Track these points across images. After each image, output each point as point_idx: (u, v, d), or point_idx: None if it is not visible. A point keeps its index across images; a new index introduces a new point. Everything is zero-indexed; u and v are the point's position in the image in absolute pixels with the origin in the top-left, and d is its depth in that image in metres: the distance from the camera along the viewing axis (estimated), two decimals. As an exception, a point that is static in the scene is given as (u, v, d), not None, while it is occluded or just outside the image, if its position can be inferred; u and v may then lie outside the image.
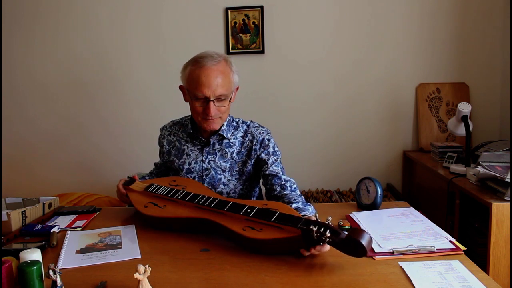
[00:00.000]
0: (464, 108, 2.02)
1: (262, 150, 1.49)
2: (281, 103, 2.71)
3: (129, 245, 1.19)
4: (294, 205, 1.32)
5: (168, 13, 2.67)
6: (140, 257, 1.12)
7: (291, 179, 1.47)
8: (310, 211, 1.30)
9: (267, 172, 1.46)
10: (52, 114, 2.81)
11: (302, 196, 1.42)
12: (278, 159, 1.50)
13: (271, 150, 1.49)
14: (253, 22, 2.63)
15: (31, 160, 2.86)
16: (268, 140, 1.50)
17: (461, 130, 2.07)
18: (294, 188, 1.44)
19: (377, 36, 2.62)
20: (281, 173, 1.47)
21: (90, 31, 2.72)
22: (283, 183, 1.44)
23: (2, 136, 2.84)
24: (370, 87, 2.67)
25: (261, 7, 2.61)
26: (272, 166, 1.47)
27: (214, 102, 1.38)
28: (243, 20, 2.63)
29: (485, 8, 2.54)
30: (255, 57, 2.67)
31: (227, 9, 2.62)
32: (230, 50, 2.65)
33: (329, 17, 2.62)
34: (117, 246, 1.19)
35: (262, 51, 2.65)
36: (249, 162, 1.50)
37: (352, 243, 0.95)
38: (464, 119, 2.02)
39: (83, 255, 1.14)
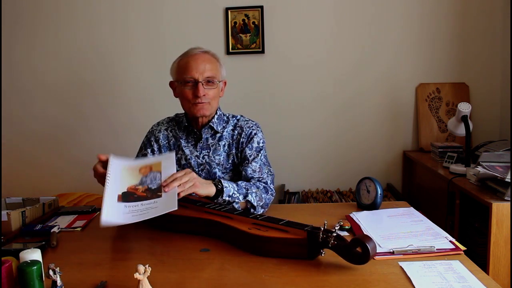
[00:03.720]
0: (464, 108, 2.02)
1: (247, 144, 1.52)
2: (281, 103, 2.71)
3: (167, 195, 1.17)
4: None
5: (168, 13, 2.67)
6: (176, 209, 1.11)
7: (265, 178, 1.49)
8: (229, 188, 1.33)
9: (246, 168, 1.49)
10: (52, 113, 2.81)
11: (255, 189, 1.41)
12: (261, 155, 1.52)
13: (255, 145, 1.52)
14: (253, 22, 2.63)
15: (31, 160, 2.86)
16: (255, 134, 1.53)
17: (461, 130, 2.07)
18: (258, 185, 1.45)
19: (377, 36, 2.62)
20: (257, 170, 1.49)
21: (91, 31, 2.72)
22: (252, 176, 1.48)
23: (2, 135, 2.84)
24: (370, 87, 2.67)
25: (261, 7, 2.61)
26: (252, 163, 1.50)
27: (202, 84, 1.44)
28: (243, 20, 2.63)
29: (485, 8, 2.54)
30: (255, 57, 2.67)
31: (227, 9, 2.62)
32: (230, 50, 2.66)
33: (329, 17, 2.62)
34: (157, 193, 1.18)
35: (262, 51, 2.65)
36: (239, 155, 1.54)
37: (357, 247, 0.97)
38: (464, 119, 2.02)
39: (125, 205, 1.14)
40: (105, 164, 1.27)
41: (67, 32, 2.73)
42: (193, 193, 1.26)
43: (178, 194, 1.19)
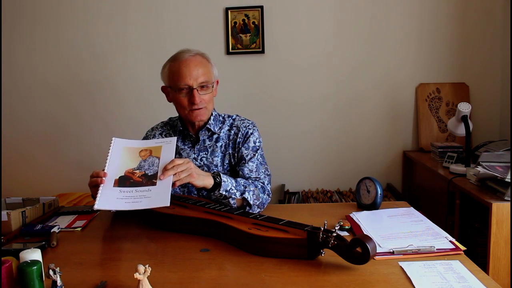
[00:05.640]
0: (464, 108, 2.02)
1: (243, 143, 1.51)
2: (281, 103, 2.71)
3: (161, 185, 1.19)
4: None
5: (168, 13, 2.67)
6: (168, 205, 1.13)
7: (263, 179, 1.48)
8: (227, 183, 1.33)
9: (243, 168, 1.49)
10: (53, 114, 2.81)
11: (253, 188, 1.40)
12: (257, 155, 1.51)
13: (251, 144, 1.51)
14: (253, 22, 2.63)
15: (31, 160, 2.86)
16: (251, 134, 1.52)
17: (461, 130, 2.07)
18: (256, 184, 1.44)
19: (377, 36, 2.62)
20: (254, 170, 1.48)
21: (91, 31, 2.72)
22: (249, 176, 1.47)
23: (2, 135, 2.84)
24: (370, 87, 2.67)
25: (261, 7, 2.61)
26: (249, 162, 1.49)
27: (197, 90, 1.42)
28: (243, 20, 2.63)
29: (485, 8, 2.54)
30: (255, 57, 2.67)
31: (227, 9, 2.62)
32: (230, 50, 2.66)
33: (329, 17, 2.62)
34: (152, 180, 1.21)
35: (262, 51, 2.65)
36: (236, 155, 1.53)
37: (357, 247, 0.96)
38: (464, 119, 2.02)
39: (120, 190, 1.18)
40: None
41: (67, 32, 2.73)
42: (189, 183, 1.26)
43: (174, 183, 1.20)
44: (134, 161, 1.28)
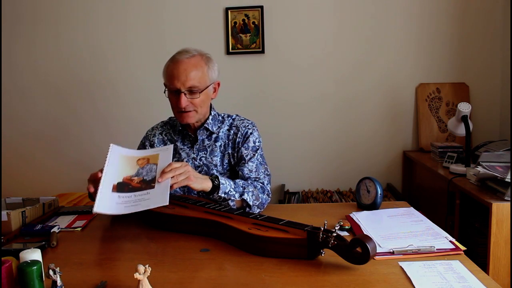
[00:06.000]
0: (464, 108, 2.02)
1: (243, 143, 1.51)
2: (281, 103, 2.71)
3: (160, 187, 1.19)
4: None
5: (168, 13, 2.67)
6: (167, 204, 1.14)
7: (262, 179, 1.48)
8: (226, 185, 1.33)
9: (243, 168, 1.49)
10: (53, 114, 2.82)
11: (252, 188, 1.40)
12: (257, 155, 1.51)
13: (251, 144, 1.51)
14: (253, 22, 2.63)
15: (31, 160, 2.86)
16: (251, 134, 1.52)
17: (461, 130, 2.07)
18: (255, 185, 1.44)
19: (377, 36, 2.62)
20: (254, 170, 1.48)
21: (91, 31, 2.72)
22: (249, 176, 1.47)
23: (2, 135, 2.84)
24: (370, 87, 2.67)
25: (261, 7, 2.61)
26: (248, 162, 1.48)
27: (185, 94, 1.41)
28: (243, 20, 2.63)
29: (485, 8, 2.54)
30: (255, 57, 2.67)
31: (227, 9, 2.62)
32: (230, 50, 2.66)
33: (329, 17, 2.62)
34: (151, 184, 1.21)
35: (262, 51, 2.65)
36: (235, 154, 1.52)
37: (357, 247, 0.96)
38: (464, 119, 2.02)
39: (118, 195, 1.18)
40: (96, 184, 1.23)
41: (67, 32, 2.73)
42: (188, 186, 1.26)
43: (171, 186, 1.20)
44: (132, 168, 1.28)
